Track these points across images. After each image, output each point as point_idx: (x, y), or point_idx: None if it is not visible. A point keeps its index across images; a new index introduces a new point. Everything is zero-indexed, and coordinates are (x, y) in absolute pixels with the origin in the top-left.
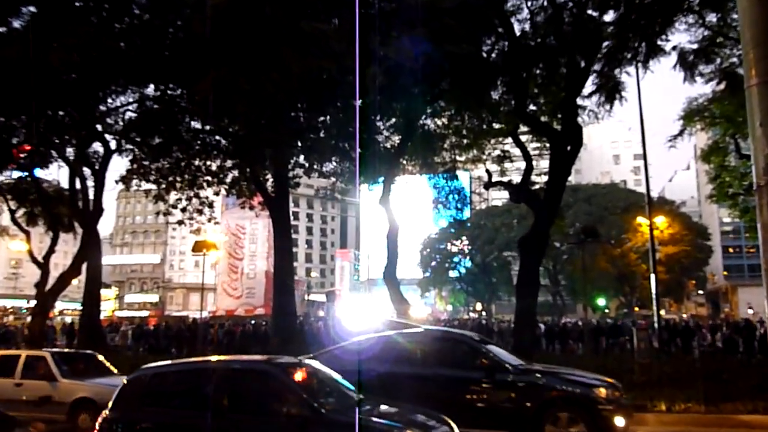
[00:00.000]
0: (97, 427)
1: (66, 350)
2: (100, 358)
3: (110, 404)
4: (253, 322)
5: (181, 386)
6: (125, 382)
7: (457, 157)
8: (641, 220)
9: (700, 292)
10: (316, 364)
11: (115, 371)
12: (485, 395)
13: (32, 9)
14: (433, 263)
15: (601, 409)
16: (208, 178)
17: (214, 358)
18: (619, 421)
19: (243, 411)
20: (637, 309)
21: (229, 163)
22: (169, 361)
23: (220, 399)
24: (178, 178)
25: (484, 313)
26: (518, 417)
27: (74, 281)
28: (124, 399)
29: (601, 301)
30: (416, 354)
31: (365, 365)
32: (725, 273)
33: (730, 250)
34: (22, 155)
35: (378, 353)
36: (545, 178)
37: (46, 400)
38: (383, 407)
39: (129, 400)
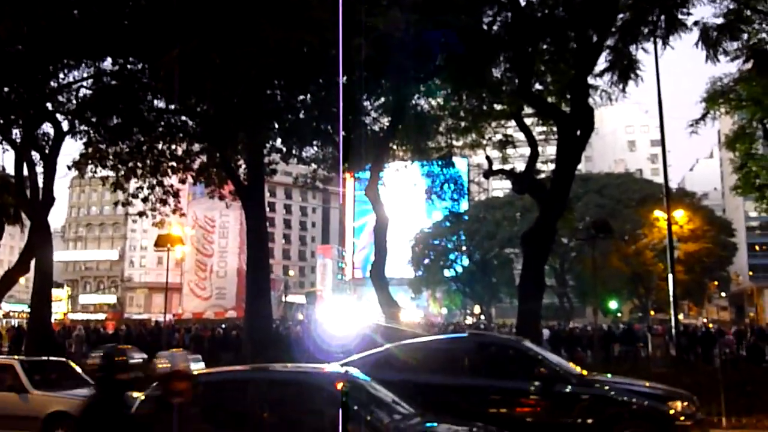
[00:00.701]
0: None
1: (35, 358)
2: (74, 366)
3: None
4: (223, 326)
5: (209, 401)
6: (144, 396)
7: (454, 142)
8: (658, 214)
9: (723, 294)
10: (360, 374)
11: (91, 381)
12: (542, 409)
13: None
14: (426, 261)
15: (678, 425)
16: (173, 163)
17: (245, 367)
18: None
19: (286, 429)
20: (652, 313)
21: (196, 146)
22: (202, 371)
23: (260, 415)
24: (139, 164)
25: (482, 317)
26: None
27: (21, 280)
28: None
29: (612, 304)
30: (460, 362)
31: (401, 375)
32: (751, 273)
33: (757, 247)
34: None
35: (415, 361)
36: (552, 166)
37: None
38: (448, 427)
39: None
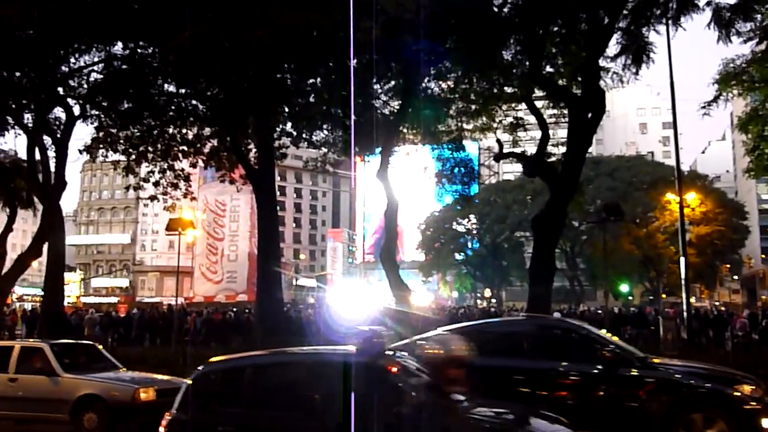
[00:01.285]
0: (163, 430)
1: (64, 341)
2: (101, 349)
3: (176, 405)
4: (234, 309)
5: (263, 383)
6: (191, 379)
7: (464, 125)
8: (670, 197)
9: (735, 277)
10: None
11: (119, 365)
12: (604, 393)
13: None
14: (437, 245)
15: (747, 409)
16: (184, 147)
17: (297, 349)
18: (767, 422)
19: (339, 411)
20: (664, 296)
21: (207, 131)
22: (240, 355)
23: (312, 397)
24: (150, 148)
25: (493, 300)
26: (644, 419)
27: (34, 264)
28: (195, 399)
29: (624, 287)
30: (520, 345)
31: None
32: (763, 256)
33: None
34: None
35: (473, 344)
36: (563, 149)
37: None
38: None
39: (200, 400)
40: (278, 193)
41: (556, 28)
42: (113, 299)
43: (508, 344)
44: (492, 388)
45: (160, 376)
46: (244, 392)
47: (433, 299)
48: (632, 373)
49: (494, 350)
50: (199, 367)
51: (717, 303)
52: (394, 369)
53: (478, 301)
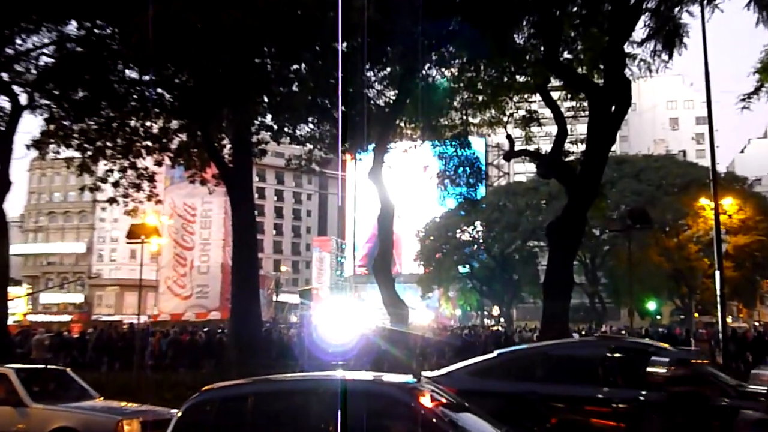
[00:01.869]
0: None
1: (31, 366)
2: (74, 375)
3: None
4: (206, 329)
5: (269, 415)
6: (182, 411)
7: (470, 119)
8: (704, 202)
9: None
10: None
11: (95, 393)
12: (695, 427)
13: None
14: (438, 255)
15: None
16: (148, 143)
17: (310, 375)
18: None
19: None
20: (696, 315)
21: (174, 124)
22: (239, 382)
23: (327, 429)
24: (109, 143)
25: (502, 320)
26: None
27: None
28: None
29: (651, 305)
30: (592, 370)
31: (518, 385)
32: None
33: None
34: None
35: (535, 370)
36: (582, 147)
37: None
38: None
39: None
40: (256, 195)
41: (575, 9)
42: (66, 317)
43: (579, 370)
44: (563, 420)
45: (145, 407)
46: (247, 426)
47: (434, 318)
48: (727, 404)
49: (563, 377)
50: (192, 397)
51: (757, 323)
52: (428, 403)
53: (486, 320)
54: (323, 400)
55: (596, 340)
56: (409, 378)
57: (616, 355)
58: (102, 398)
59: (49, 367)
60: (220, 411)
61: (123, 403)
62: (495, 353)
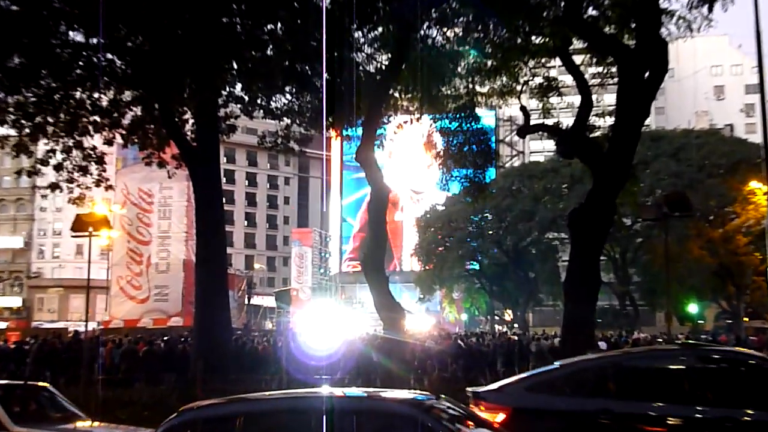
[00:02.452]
0: None
1: (8, 381)
2: (56, 392)
3: None
4: (165, 337)
5: None
6: None
7: (478, 88)
8: (755, 186)
9: None
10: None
11: (81, 413)
12: None
13: None
14: (440, 250)
15: None
16: (96, 118)
17: (302, 392)
18: None
19: None
20: (746, 319)
21: (127, 95)
22: (223, 400)
23: None
24: (50, 119)
25: (516, 326)
26: None
27: None
28: None
29: (692, 308)
30: (675, 384)
31: (584, 403)
32: None
33: None
34: None
35: (607, 384)
36: (610, 121)
37: None
38: None
39: None
40: (224, 179)
41: None
42: (1, 324)
43: (660, 384)
44: None
45: (143, 429)
46: None
47: (436, 323)
48: None
49: (641, 392)
50: (170, 418)
51: None
52: (448, 423)
53: (497, 327)
54: (325, 421)
55: (679, 349)
56: (424, 395)
57: (705, 366)
58: (90, 420)
59: (28, 383)
60: None
61: (115, 426)
62: (556, 364)
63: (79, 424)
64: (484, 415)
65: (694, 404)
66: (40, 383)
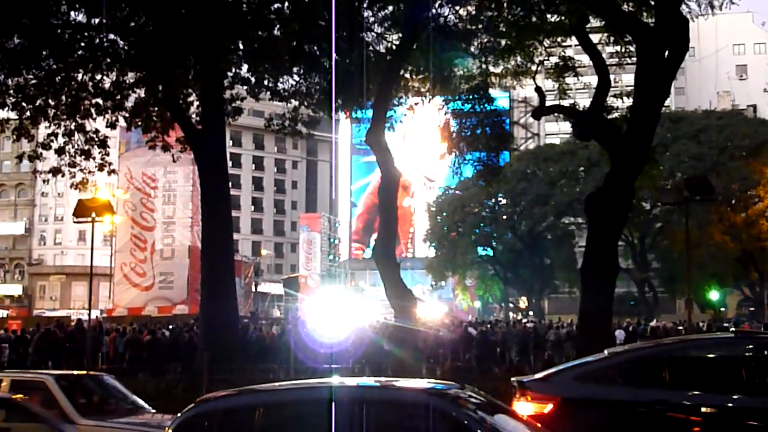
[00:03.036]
0: None
1: (71, 372)
2: (116, 382)
3: None
4: (170, 326)
5: (281, 430)
6: (173, 428)
7: (491, 68)
8: None
9: None
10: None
11: (144, 403)
12: None
13: None
14: (453, 235)
15: None
16: (99, 101)
17: (323, 382)
18: None
19: None
20: None
21: (130, 77)
22: (241, 390)
23: None
24: (52, 102)
25: (531, 313)
26: None
27: None
28: None
29: (713, 295)
30: (735, 374)
31: (640, 393)
32: None
33: None
34: None
35: (661, 373)
36: (629, 102)
37: None
38: None
39: None
40: (230, 163)
41: None
42: (1, 312)
43: (717, 374)
44: None
45: None
46: None
47: (448, 311)
48: None
49: (697, 382)
50: (186, 410)
51: None
52: (474, 413)
53: (511, 314)
54: (348, 412)
55: (734, 337)
56: (449, 384)
57: (763, 354)
58: (155, 411)
59: (89, 372)
60: (221, 427)
61: None
62: (605, 353)
63: (146, 416)
64: (531, 405)
65: (753, 395)
66: (98, 373)
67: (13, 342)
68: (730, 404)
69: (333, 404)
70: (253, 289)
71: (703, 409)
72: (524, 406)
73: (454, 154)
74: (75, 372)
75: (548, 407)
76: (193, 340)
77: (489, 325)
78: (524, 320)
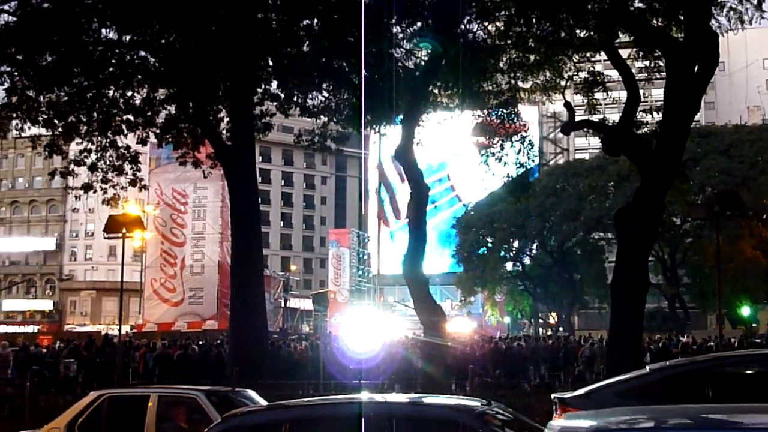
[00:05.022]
0: None
1: (220, 388)
2: (258, 397)
3: None
4: (200, 341)
5: None
6: None
7: (520, 84)
8: None
9: None
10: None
11: None
12: None
13: None
14: (482, 250)
15: None
16: (130, 117)
17: (349, 398)
18: None
19: None
20: None
21: (161, 93)
22: (270, 406)
23: None
24: (83, 118)
25: (561, 329)
26: None
27: None
28: None
29: (745, 310)
30: None
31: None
32: None
33: None
34: None
35: (704, 390)
36: (658, 117)
37: None
38: None
39: None
40: (260, 179)
41: None
42: (32, 328)
43: (761, 389)
44: None
45: None
46: None
47: (477, 326)
48: None
49: (741, 398)
50: (214, 425)
51: None
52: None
53: (540, 330)
54: (376, 428)
55: None
56: (477, 402)
57: None
58: None
59: (236, 389)
60: None
61: None
62: (647, 369)
63: None
64: None
65: None
66: (243, 389)
67: (43, 357)
68: None
69: (362, 420)
70: (283, 305)
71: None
72: None
73: (483, 168)
74: (220, 388)
75: None
76: (222, 355)
77: (519, 340)
78: (558, 333)
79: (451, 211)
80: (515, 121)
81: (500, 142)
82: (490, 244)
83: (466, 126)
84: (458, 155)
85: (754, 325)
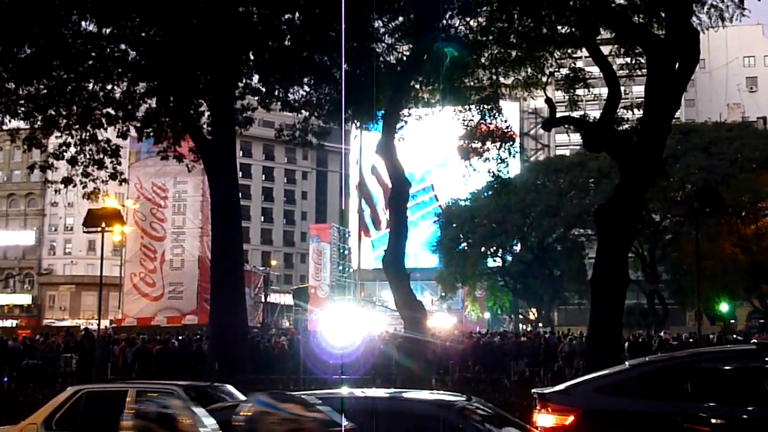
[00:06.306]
0: None
1: (197, 383)
2: (236, 391)
3: None
4: (180, 336)
5: None
6: None
7: (501, 79)
8: None
9: None
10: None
11: None
12: None
13: None
14: (463, 246)
15: None
16: (110, 110)
17: (333, 393)
18: None
19: None
20: None
21: (141, 87)
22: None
23: None
24: (63, 111)
25: (540, 325)
26: None
27: None
28: None
29: (723, 307)
30: (757, 386)
31: (662, 406)
32: None
33: None
34: None
35: (682, 385)
36: (639, 113)
37: None
38: None
39: None
40: (241, 173)
41: None
42: (10, 322)
43: (739, 386)
44: None
45: None
46: None
47: (457, 321)
48: None
49: (718, 394)
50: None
51: None
52: (479, 425)
53: (521, 326)
54: (357, 423)
55: (756, 349)
56: (458, 397)
57: None
58: None
59: (215, 384)
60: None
61: None
62: (626, 364)
63: None
64: (552, 417)
65: None
66: (221, 384)
67: (21, 352)
68: (753, 416)
69: (342, 415)
70: (263, 300)
71: (723, 421)
72: (545, 418)
73: (464, 164)
74: (198, 383)
75: (569, 419)
76: (202, 350)
77: (500, 336)
78: (539, 329)
79: (434, 220)
80: (497, 117)
81: (486, 146)
82: (470, 240)
83: (448, 131)
84: (442, 165)
85: (732, 321)
